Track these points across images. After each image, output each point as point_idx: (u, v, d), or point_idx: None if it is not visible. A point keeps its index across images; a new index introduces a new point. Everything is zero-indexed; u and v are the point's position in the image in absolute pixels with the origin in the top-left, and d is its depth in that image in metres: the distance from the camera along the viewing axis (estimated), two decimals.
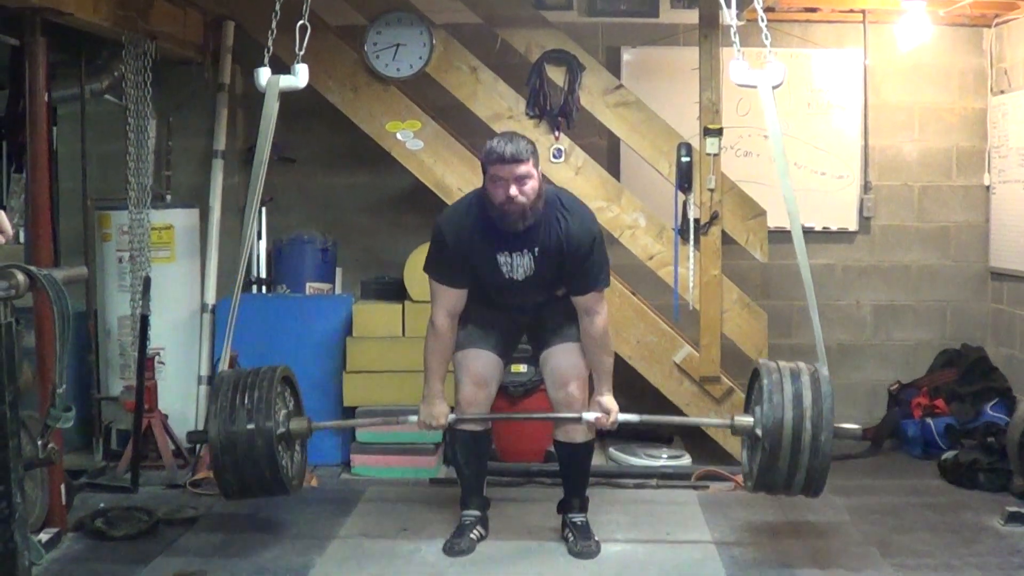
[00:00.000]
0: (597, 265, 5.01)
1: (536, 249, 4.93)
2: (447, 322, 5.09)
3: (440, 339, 5.10)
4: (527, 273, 4.99)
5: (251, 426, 4.87)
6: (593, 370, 5.15)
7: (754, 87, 4.84)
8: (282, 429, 5.01)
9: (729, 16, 4.79)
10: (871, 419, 7.70)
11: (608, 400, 5.09)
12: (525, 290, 5.08)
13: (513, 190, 4.75)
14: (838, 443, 7.41)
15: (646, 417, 5.32)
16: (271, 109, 5.14)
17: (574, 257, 4.94)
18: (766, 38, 4.79)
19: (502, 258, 4.97)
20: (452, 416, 5.15)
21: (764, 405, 4.74)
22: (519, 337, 5.41)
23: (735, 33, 4.81)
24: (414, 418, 5.19)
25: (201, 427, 6.88)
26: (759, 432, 4.76)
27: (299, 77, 5.16)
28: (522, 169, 4.76)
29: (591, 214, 5.11)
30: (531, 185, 4.79)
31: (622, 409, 5.11)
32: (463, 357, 5.20)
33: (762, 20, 4.82)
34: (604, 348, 5.12)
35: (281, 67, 5.21)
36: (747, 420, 4.90)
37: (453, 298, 5.07)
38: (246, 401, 4.92)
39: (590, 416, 5.06)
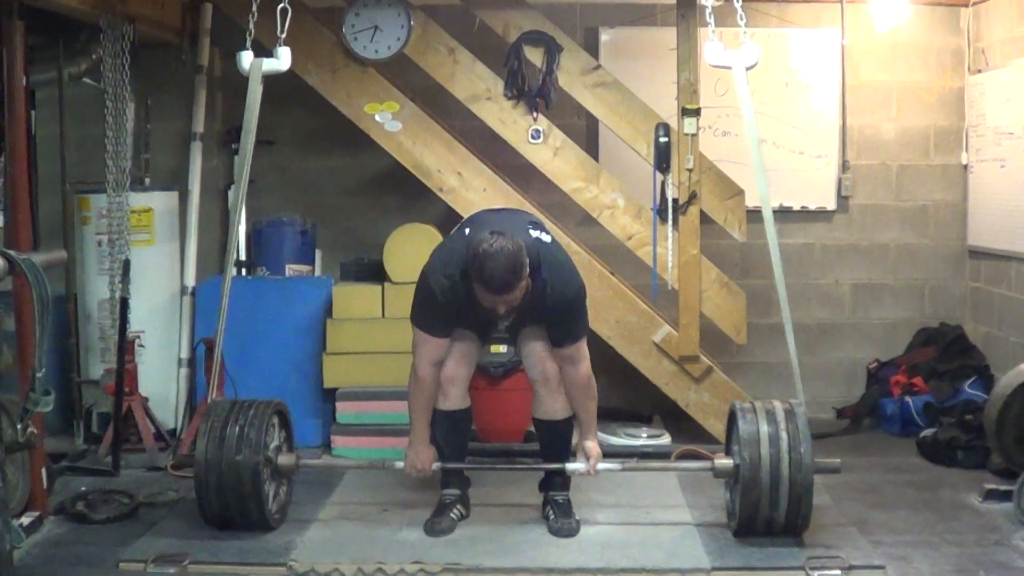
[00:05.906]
0: (578, 320, 5.14)
1: (521, 308, 4.91)
2: (431, 371, 5.14)
3: (424, 388, 5.15)
4: (509, 323, 5.10)
5: (239, 456, 4.99)
6: (577, 416, 5.25)
7: (729, 68, 4.86)
8: (270, 460, 5.15)
9: None
10: (850, 397, 7.77)
11: (592, 446, 5.21)
12: (509, 332, 5.26)
13: (500, 309, 4.79)
14: (816, 421, 7.57)
15: (629, 464, 5.52)
16: (255, 93, 5.11)
17: (555, 315, 5.05)
18: (741, 19, 4.81)
19: (488, 316, 4.97)
20: (437, 464, 5.26)
21: (741, 448, 4.97)
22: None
23: (710, 14, 4.83)
24: (400, 464, 5.28)
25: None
26: (738, 475, 5.01)
27: (281, 60, 5.15)
28: (508, 298, 4.74)
29: (572, 269, 5.13)
30: (518, 296, 4.77)
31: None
32: None
33: (737, 0, 4.84)
34: (587, 394, 5.21)
35: (260, 49, 5.19)
36: (727, 462, 5.16)
37: (438, 348, 5.12)
38: (237, 431, 5.04)
39: (577, 466, 5.22)
